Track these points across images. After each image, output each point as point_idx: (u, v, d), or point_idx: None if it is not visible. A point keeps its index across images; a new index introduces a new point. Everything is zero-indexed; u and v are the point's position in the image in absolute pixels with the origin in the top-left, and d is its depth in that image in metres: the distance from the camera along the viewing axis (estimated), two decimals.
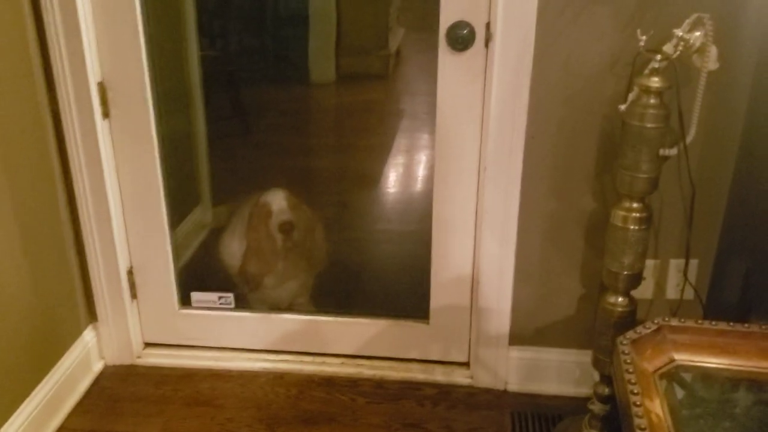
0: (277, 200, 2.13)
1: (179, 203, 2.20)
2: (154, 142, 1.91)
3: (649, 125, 1.46)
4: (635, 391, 1.13)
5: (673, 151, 1.50)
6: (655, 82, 1.44)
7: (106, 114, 1.88)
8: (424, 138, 3.04)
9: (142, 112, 1.88)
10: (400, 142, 3.08)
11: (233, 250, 2.22)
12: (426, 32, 1.86)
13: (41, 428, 1.81)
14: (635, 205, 1.54)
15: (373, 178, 2.92)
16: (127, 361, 2.13)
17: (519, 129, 1.73)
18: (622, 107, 1.52)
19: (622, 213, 1.55)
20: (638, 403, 1.11)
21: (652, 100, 1.46)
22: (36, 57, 1.78)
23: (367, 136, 3.08)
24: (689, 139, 1.55)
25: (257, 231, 2.16)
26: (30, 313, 1.80)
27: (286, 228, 2.11)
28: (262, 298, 2.21)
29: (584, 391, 1.93)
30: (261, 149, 2.84)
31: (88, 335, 2.07)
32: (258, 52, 2.99)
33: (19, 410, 1.74)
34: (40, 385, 1.83)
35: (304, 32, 2.90)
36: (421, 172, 2.97)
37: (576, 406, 1.88)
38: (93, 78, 1.81)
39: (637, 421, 1.07)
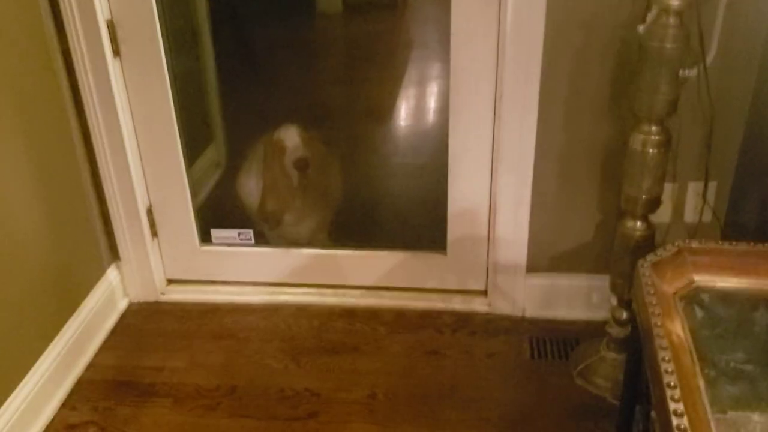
0: (291, 136, 2.12)
1: (193, 141, 2.20)
2: (166, 79, 1.90)
3: (668, 45, 1.43)
4: (656, 313, 1.14)
5: (693, 72, 1.48)
6: (675, 1, 1.41)
7: (116, 52, 1.86)
8: (436, 67, 3.00)
9: (152, 49, 1.86)
10: (412, 72, 3.05)
11: (250, 188, 2.22)
12: None
13: (71, 365, 1.86)
14: (654, 128, 1.53)
15: (385, 110, 2.90)
16: (151, 298, 2.17)
17: (535, 55, 1.70)
18: (641, 28, 1.49)
19: (641, 136, 1.54)
20: (659, 324, 1.12)
21: (672, 20, 1.43)
22: None
23: (378, 68, 3.04)
24: (709, 59, 1.53)
25: (272, 169, 2.16)
26: (52, 255, 1.82)
27: (301, 164, 2.10)
28: (282, 235, 2.22)
29: (601, 315, 1.95)
30: (270, 85, 2.82)
31: (112, 274, 2.10)
32: None
33: (48, 349, 1.78)
34: (67, 324, 1.87)
35: None
36: (433, 103, 2.94)
37: (593, 329, 1.91)
38: (102, 16, 1.79)
39: (658, 341, 1.09)
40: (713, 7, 1.49)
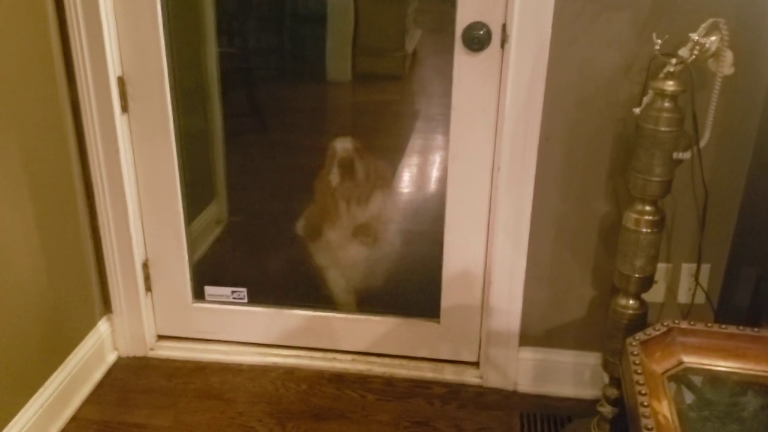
0: (343, 143, 2.20)
1: (195, 198, 2.22)
2: (172, 137, 1.94)
3: (663, 128, 1.46)
4: (643, 392, 1.14)
5: (687, 155, 1.50)
6: (670, 85, 1.45)
7: (125, 108, 1.90)
8: (439, 139, 3.04)
9: (160, 106, 1.90)
10: (415, 142, 3.09)
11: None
12: (442, 34, 1.87)
13: (54, 418, 1.84)
14: (648, 208, 1.54)
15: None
16: (140, 353, 2.15)
17: (533, 130, 1.74)
18: (637, 110, 1.52)
19: (634, 216, 1.55)
20: (646, 403, 1.11)
21: (667, 104, 1.46)
22: (57, 52, 1.80)
23: (382, 136, 3.08)
24: (703, 143, 1.55)
25: (322, 179, 2.23)
26: (46, 304, 1.82)
27: (346, 163, 2.15)
28: (331, 257, 2.28)
29: (593, 393, 1.93)
30: (276, 146, 2.86)
31: (103, 327, 2.10)
32: (275, 50, 3.00)
33: (32, 399, 1.77)
34: (54, 375, 1.86)
35: (321, 32, 2.91)
36: (434, 172, 2.97)
37: (585, 407, 1.88)
38: (113, 73, 1.84)
39: (644, 421, 1.08)
40: (707, 91, 1.52)
